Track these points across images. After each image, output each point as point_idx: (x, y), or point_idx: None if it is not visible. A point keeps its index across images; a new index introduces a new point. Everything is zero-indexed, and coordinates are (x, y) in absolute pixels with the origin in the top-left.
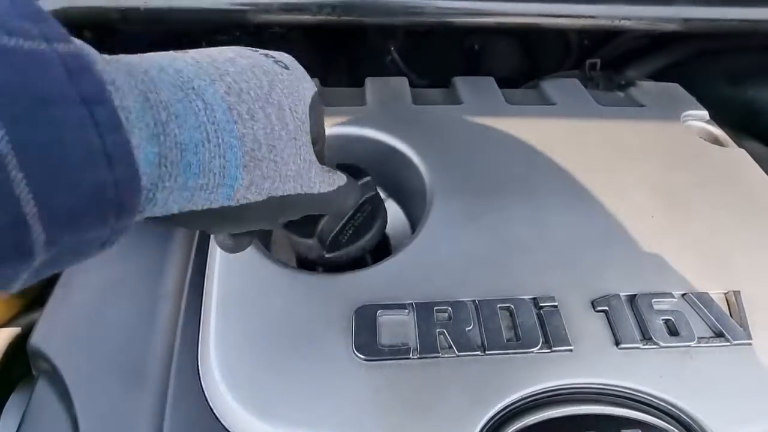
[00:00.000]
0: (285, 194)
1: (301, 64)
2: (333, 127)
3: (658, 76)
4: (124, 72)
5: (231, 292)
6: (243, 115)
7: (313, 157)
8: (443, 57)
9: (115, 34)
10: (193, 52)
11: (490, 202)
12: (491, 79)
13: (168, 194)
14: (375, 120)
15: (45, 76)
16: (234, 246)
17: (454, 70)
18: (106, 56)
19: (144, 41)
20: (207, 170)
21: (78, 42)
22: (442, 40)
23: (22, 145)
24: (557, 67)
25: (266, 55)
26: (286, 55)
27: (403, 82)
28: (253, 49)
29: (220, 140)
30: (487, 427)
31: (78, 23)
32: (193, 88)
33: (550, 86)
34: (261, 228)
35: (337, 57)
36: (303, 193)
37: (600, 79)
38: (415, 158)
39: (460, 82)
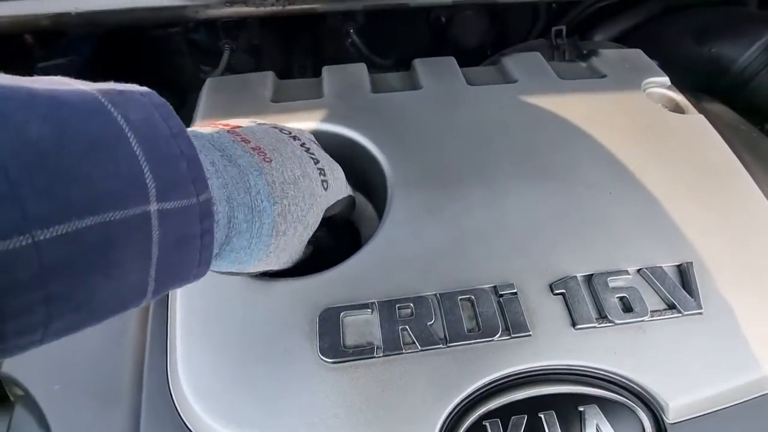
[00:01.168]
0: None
1: (261, 52)
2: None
3: (625, 37)
4: (225, 200)
5: (195, 305)
6: (280, 232)
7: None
8: (409, 33)
9: (61, 34)
10: (275, 163)
11: (449, 191)
12: (452, 60)
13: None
14: (333, 113)
15: (191, 221)
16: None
17: (420, 45)
18: (219, 180)
19: (93, 37)
20: (236, 262)
21: (210, 188)
22: (406, 15)
23: (165, 254)
24: (526, 35)
25: (321, 171)
26: (338, 167)
27: (361, 68)
28: (313, 155)
29: (254, 248)
30: (450, 417)
31: (12, 30)
32: (260, 210)
33: (512, 62)
34: None
35: (299, 42)
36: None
37: (566, 46)
38: (375, 150)
39: (420, 65)
